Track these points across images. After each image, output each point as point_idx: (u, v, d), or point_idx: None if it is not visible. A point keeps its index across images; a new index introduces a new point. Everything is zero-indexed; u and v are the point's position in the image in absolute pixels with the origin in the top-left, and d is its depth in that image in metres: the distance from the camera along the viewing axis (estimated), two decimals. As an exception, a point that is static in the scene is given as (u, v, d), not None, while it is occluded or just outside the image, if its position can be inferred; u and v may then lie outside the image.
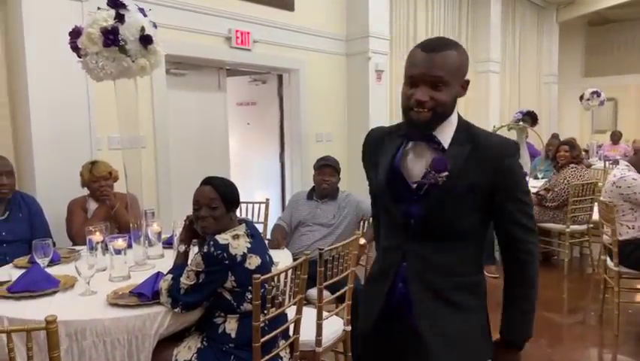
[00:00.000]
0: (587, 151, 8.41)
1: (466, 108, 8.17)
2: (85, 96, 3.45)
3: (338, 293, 2.24)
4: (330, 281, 2.11)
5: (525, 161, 5.76)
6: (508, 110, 8.39)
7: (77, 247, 2.70)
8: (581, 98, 8.11)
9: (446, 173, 1.27)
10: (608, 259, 3.26)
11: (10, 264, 2.40)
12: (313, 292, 2.39)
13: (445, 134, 1.32)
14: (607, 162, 7.10)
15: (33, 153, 3.21)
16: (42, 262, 2.16)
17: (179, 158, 4.56)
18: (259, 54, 5.11)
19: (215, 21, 4.65)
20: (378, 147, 1.43)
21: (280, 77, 5.77)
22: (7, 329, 1.42)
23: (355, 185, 6.09)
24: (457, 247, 1.35)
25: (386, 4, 6.21)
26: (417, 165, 1.34)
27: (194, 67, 4.80)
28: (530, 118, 5.80)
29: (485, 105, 8.28)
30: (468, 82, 1.34)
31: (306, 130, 5.74)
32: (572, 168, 4.53)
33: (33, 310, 1.76)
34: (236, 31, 4.82)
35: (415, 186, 1.33)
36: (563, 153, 4.61)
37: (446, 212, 1.31)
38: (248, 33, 4.92)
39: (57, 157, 3.29)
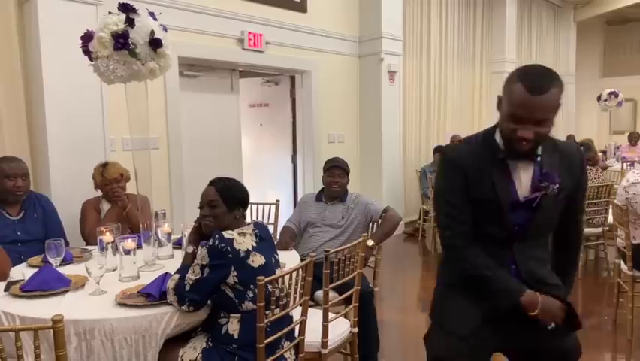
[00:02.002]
0: (604, 152, 8.28)
1: (481, 109, 8.11)
2: (99, 99, 3.51)
3: (345, 295, 2.25)
4: (336, 283, 2.12)
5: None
6: (523, 111, 8.27)
7: (89, 247, 2.75)
8: (599, 98, 7.98)
9: (557, 185, 1.50)
10: (622, 262, 3.21)
11: (24, 263, 2.45)
12: (321, 293, 2.39)
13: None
14: (625, 164, 6.97)
15: (48, 154, 3.28)
16: (54, 261, 2.21)
17: (192, 159, 4.61)
18: (272, 56, 5.14)
19: (228, 23, 4.70)
20: (475, 163, 1.56)
21: (293, 79, 5.80)
22: (15, 328, 1.46)
23: (367, 185, 6.10)
24: (545, 241, 1.66)
25: (399, 4, 6.21)
26: (524, 179, 1.54)
27: (207, 69, 4.85)
28: (545, 119, 5.72)
29: (500, 106, 8.19)
30: (560, 105, 1.46)
31: (318, 131, 5.75)
32: (587, 170, 4.45)
33: (44, 309, 1.79)
34: (249, 33, 4.86)
35: (524, 199, 1.53)
36: (578, 155, 4.53)
37: (549, 216, 1.57)
38: (260, 35, 4.95)
39: (71, 159, 3.35)
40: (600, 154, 7.76)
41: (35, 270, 2.19)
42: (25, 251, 2.63)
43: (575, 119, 10.73)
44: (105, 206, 3.02)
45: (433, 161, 6.21)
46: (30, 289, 1.96)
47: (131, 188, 2.98)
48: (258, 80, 5.99)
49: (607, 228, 4.35)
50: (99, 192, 3.08)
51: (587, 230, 4.40)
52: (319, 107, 5.76)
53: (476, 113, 8.07)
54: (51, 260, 2.21)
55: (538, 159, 1.53)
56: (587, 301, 4.10)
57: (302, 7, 5.41)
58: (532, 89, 1.36)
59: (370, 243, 2.78)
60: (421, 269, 5.27)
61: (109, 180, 2.98)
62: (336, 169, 3.01)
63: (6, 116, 3.28)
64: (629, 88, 9.73)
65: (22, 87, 3.36)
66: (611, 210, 3.77)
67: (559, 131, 9.24)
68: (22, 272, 2.27)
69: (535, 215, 1.54)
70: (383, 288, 4.15)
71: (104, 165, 3.06)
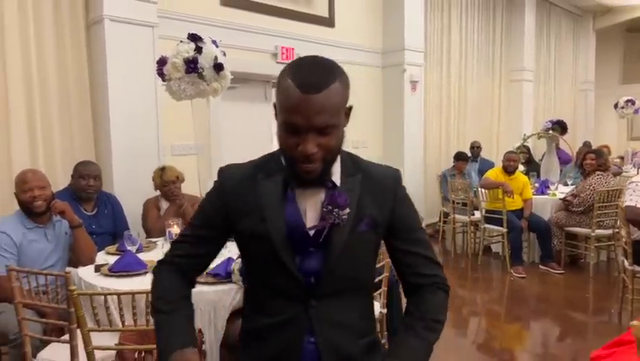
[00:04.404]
0: (622, 158, 8.47)
1: (499, 118, 8.40)
2: (154, 112, 3.96)
3: (375, 280, 2.63)
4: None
5: (554, 168, 5.98)
6: (542, 118, 8.53)
7: (153, 239, 3.19)
8: (616, 106, 8.20)
9: (347, 210, 1.08)
10: (625, 259, 3.51)
11: (103, 251, 2.89)
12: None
13: (335, 173, 1.13)
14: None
15: (112, 159, 3.74)
16: (132, 249, 2.65)
17: (231, 162, 5.03)
18: (302, 68, 5.54)
19: (263, 39, 5.13)
20: (249, 189, 1.13)
21: (320, 89, 6.20)
22: (118, 292, 1.88)
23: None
24: (361, 300, 1.19)
25: (421, 17, 6.58)
26: (311, 208, 1.11)
27: (243, 80, 5.29)
28: (560, 127, 6.02)
29: (518, 114, 8.49)
30: (351, 108, 1.12)
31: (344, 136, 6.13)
32: (598, 175, 4.75)
33: (129, 285, 2.21)
34: (282, 47, 5.29)
35: (312, 233, 1.10)
36: (590, 161, 4.84)
37: (352, 260, 1.13)
38: (292, 49, 5.37)
39: (131, 163, 3.81)
40: (617, 160, 8.00)
41: (113, 257, 2.63)
42: (99, 242, 3.07)
43: (593, 126, 10.91)
44: (164, 204, 3.46)
45: (452, 166, 6.55)
46: (117, 270, 2.40)
47: (186, 188, 3.42)
48: (288, 89, 6.39)
49: (617, 230, 4.64)
50: (158, 192, 3.52)
51: (598, 231, 4.70)
52: (345, 114, 6.14)
53: (495, 120, 8.37)
54: (128, 248, 2.65)
55: (336, 183, 1.12)
56: (597, 298, 4.40)
57: (330, 23, 5.83)
58: (305, 86, 0.99)
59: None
60: (441, 267, 5.61)
61: (167, 181, 3.41)
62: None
63: (76, 126, 3.76)
64: (648, 95, 9.89)
65: (89, 101, 3.84)
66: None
67: (577, 138, 9.47)
68: (104, 258, 2.72)
69: (329, 258, 1.10)
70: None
71: (162, 169, 3.50)
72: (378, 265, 2.55)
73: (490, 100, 8.28)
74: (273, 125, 4.49)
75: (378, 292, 2.69)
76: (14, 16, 3.45)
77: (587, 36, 10.51)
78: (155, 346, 1.28)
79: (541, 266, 5.03)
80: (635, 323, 1.15)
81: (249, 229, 1.11)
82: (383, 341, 2.77)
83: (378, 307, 2.71)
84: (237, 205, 1.13)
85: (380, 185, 1.16)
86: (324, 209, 1.08)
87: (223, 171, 1.20)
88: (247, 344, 1.20)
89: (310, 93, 0.99)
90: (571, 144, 7.06)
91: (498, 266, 5.33)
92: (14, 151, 3.45)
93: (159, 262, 1.25)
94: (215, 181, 1.20)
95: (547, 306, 4.21)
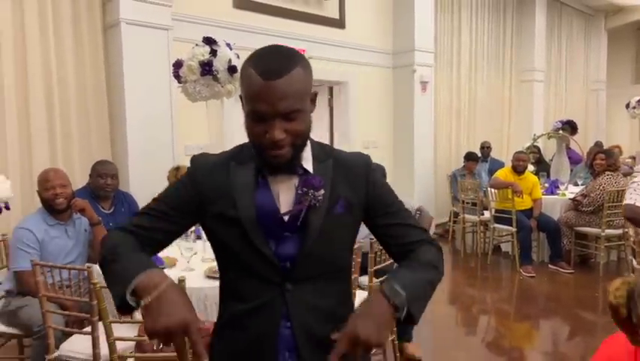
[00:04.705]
0: (633, 158, 8.42)
1: (510, 118, 8.41)
2: (168, 112, 4.06)
3: (385, 277, 2.69)
4: (379, 266, 2.56)
5: (564, 168, 5.99)
6: (553, 119, 8.52)
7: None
8: (627, 105, 8.15)
9: (322, 191, 1.08)
10: (633, 258, 3.53)
11: (121, 248, 2.99)
12: (363, 279, 2.83)
13: (306, 160, 1.12)
14: (651, 169, 7.15)
15: (128, 159, 3.84)
16: (148, 246, 2.73)
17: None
18: (313, 69, 5.58)
19: (275, 41, 5.13)
20: (221, 176, 1.12)
21: (331, 89, 6.28)
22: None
23: (400, 188, 6.42)
24: (337, 285, 1.17)
25: (431, 18, 6.62)
26: (284, 194, 1.11)
27: (255, 82, 5.38)
28: (570, 127, 6.03)
29: (529, 114, 8.49)
30: (316, 94, 1.13)
31: (354, 137, 6.20)
32: (608, 175, 4.77)
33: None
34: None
35: (287, 218, 1.09)
36: (599, 161, 4.85)
37: (330, 243, 1.12)
38: (304, 50, 5.42)
39: (147, 162, 3.90)
40: (629, 160, 7.96)
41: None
42: (117, 239, 3.17)
43: (605, 126, 10.85)
44: (178, 202, 3.54)
45: (463, 166, 6.58)
46: (135, 266, 2.48)
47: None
48: (299, 90, 6.47)
49: (626, 230, 4.65)
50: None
51: (608, 231, 4.72)
52: (355, 115, 6.21)
53: (505, 120, 8.38)
54: (145, 245, 2.74)
55: (309, 169, 1.12)
56: (607, 297, 4.41)
57: (341, 24, 5.89)
58: (266, 73, 1.00)
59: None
60: (451, 267, 5.64)
61: (181, 180, 3.49)
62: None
63: (94, 126, 3.87)
64: (661, 94, 9.81)
65: (106, 102, 3.95)
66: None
67: (588, 138, 9.44)
68: (121, 254, 2.80)
69: (305, 242, 1.09)
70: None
71: (177, 168, 3.58)
72: (386, 263, 2.61)
73: (501, 100, 8.29)
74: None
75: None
76: (34, 21, 3.57)
77: (598, 36, 10.46)
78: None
79: (550, 266, 5.05)
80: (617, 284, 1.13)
81: (221, 214, 1.09)
82: (392, 336, 2.84)
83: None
84: (209, 192, 1.11)
85: (352, 170, 1.16)
86: (299, 192, 1.08)
87: (196, 159, 1.18)
88: (222, 335, 1.16)
89: (272, 79, 1.00)
90: (582, 144, 7.06)
91: (507, 266, 5.35)
92: (34, 151, 3.57)
93: (115, 228, 1.18)
94: (188, 168, 1.18)
95: (556, 305, 4.24)
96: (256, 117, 1.03)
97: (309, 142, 1.13)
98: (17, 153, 3.52)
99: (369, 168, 1.18)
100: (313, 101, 1.11)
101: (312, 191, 1.07)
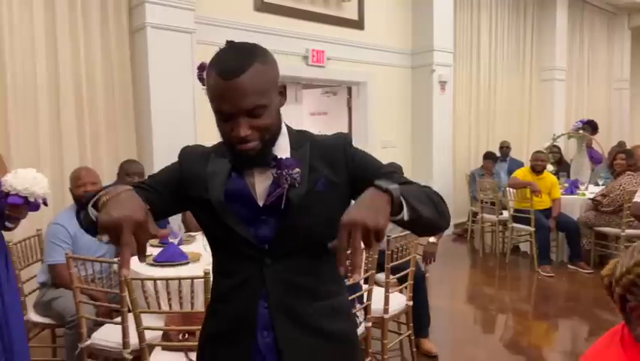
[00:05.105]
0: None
1: (530, 118, 8.36)
2: (191, 113, 4.19)
3: (401, 274, 2.75)
4: (396, 263, 2.63)
5: (584, 168, 5.96)
6: (575, 118, 8.45)
7: (192, 233, 3.39)
8: (651, 104, 8.04)
9: (297, 169, 1.10)
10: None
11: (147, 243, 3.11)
12: (381, 276, 2.90)
13: (281, 146, 1.15)
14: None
15: (153, 158, 3.98)
16: (173, 241, 2.85)
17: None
18: (332, 70, 5.71)
19: (295, 42, 5.30)
20: (201, 164, 1.19)
21: (350, 89, 6.35)
22: (179, 277, 2.07)
23: (418, 189, 6.54)
24: (322, 263, 1.16)
25: (450, 17, 6.64)
26: (259, 185, 1.13)
27: (275, 83, 5.48)
28: (590, 127, 5.99)
29: (549, 114, 8.42)
30: (284, 87, 1.14)
31: (372, 137, 6.26)
32: (629, 175, 4.74)
33: (174, 273, 2.40)
34: (312, 50, 5.45)
35: (266, 205, 1.12)
36: (620, 161, 4.83)
37: (307, 219, 1.11)
38: (323, 52, 5.53)
39: (171, 161, 3.99)
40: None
41: (155, 249, 2.84)
42: (143, 235, 3.30)
43: (629, 125, 10.68)
44: (202, 200, 3.66)
45: (481, 165, 6.59)
46: (161, 261, 2.60)
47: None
48: (318, 90, 6.57)
49: (648, 230, 4.62)
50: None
51: (629, 231, 4.69)
52: (374, 114, 6.27)
53: (525, 120, 8.33)
54: (171, 240, 2.85)
55: (282, 158, 1.12)
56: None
57: (360, 25, 5.95)
58: (225, 73, 1.02)
59: (432, 239, 3.28)
60: (469, 266, 5.67)
61: (204, 179, 3.62)
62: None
63: (121, 126, 4.02)
64: (686, 93, 9.64)
65: (132, 103, 4.09)
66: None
67: (611, 138, 9.31)
68: (148, 250, 2.92)
69: (284, 219, 1.11)
70: (435, 279, 4.60)
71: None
72: (403, 260, 2.68)
73: (521, 100, 8.24)
74: (304, 125, 4.67)
75: (404, 285, 2.81)
76: (65, 27, 3.74)
77: (621, 34, 10.30)
78: (199, 327, 1.32)
79: (569, 266, 5.04)
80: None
81: (198, 198, 1.15)
82: (409, 332, 2.90)
83: (404, 300, 2.84)
84: (189, 176, 1.18)
85: (329, 150, 1.16)
86: (275, 175, 1.10)
87: (185, 148, 1.27)
88: (212, 310, 1.22)
89: (231, 79, 1.02)
90: (605, 144, 6.98)
91: (526, 265, 5.35)
92: (65, 150, 3.73)
93: None
94: (179, 154, 1.26)
95: (575, 305, 4.24)
96: (222, 117, 1.06)
97: (286, 131, 1.16)
98: (49, 152, 3.69)
99: (347, 145, 1.18)
100: (282, 93, 1.13)
101: (286, 170, 1.09)
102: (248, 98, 1.02)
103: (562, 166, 6.47)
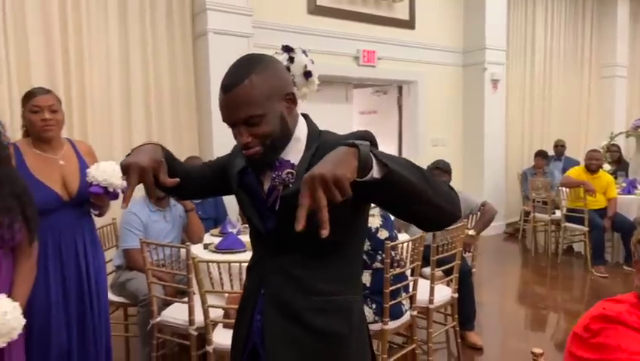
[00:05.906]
0: None
1: (588, 116, 8.10)
2: (249, 112, 4.44)
3: (446, 266, 2.86)
4: (441, 255, 2.74)
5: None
6: (636, 117, 8.10)
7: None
8: None
9: (288, 169, 1.17)
10: None
11: (208, 233, 3.37)
12: (426, 270, 3.01)
13: (296, 152, 1.19)
14: None
15: (214, 155, 4.24)
16: (232, 231, 3.09)
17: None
18: (382, 69, 5.82)
19: (346, 43, 5.46)
20: (236, 161, 1.32)
21: (400, 88, 6.43)
22: (229, 261, 2.29)
23: (469, 185, 6.55)
24: (327, 261, 1.19)
25: (503, 15, 6.58)
26: (267, 183, 1.22)
27: (326, 83, 5.64)
28: (651, 125, 5.77)
29: (609, 112, 8.14)
30: (292, 93, 1.18)
31: (422, 135, 6.32)
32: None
33: (233, 259, 2.62)
34: (363, 50, 5.58)
35: (269, 203, 1.20)
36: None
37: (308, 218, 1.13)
38: (374, 52, 5.65)
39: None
40: None
41: (216, 237, 3.09)
42: (205, 225, 3.57)
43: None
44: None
45: (534, 165, 6.49)
46: (222, 248, 2.84)
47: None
48: (369, 90, 6.70)
49: None
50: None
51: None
52: (424, 113, 6.32)
53: (583, 119, 8.08)
54: (230, 230, 3.10)
55: (281, 160, 1.19)
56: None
57: (411, 25, 6.03)
58: (225, 88, 1.12)
59: (472, 232, 3.35)
60: (520, 265, 5.63)
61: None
62: (436, 170, 3.62)
63: (184, 126, 4.34)
64: None
65: (195, 103, 4.40)
66: None
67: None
68: (209, 239, 3.18)
69: (281, 217, 1.17)
70: (484, 277, 4.63)
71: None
72: (448, 254, 2.78)
73: (578, 98, 8.01)
74: (354, 124, 4.87)
75: (450, 277, 2.92)
76: (136, 33, 4.09)
77: (692, 26, 9.75)
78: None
79: (625, 267, 4.91)
80: None
81: (232, 188, 1.31)
82: (453, 323, 3.00)
83: (449, 292, 2.95)
84: (229, 167, 1.34)
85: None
86: (272, 176, 1.18)
87: (235, 146, 1.38)
88: (247, 276, 1.34)
89: (227, 92, 1.11)
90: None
91: (579, 265, 5.26)
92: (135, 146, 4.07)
93: None
94: (232, 147, 1.42)
95: (629, 306, 4.15)
96: (230, 126, 1.17)
97: (302, 134, 1.20)
98: (120, 150, 4.04)
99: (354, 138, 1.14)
100: (290, 100, 1.16)
101: (277, 172, 1.17)
102: (241, 110, 1.10)
103: (621, 165, 6.27)
